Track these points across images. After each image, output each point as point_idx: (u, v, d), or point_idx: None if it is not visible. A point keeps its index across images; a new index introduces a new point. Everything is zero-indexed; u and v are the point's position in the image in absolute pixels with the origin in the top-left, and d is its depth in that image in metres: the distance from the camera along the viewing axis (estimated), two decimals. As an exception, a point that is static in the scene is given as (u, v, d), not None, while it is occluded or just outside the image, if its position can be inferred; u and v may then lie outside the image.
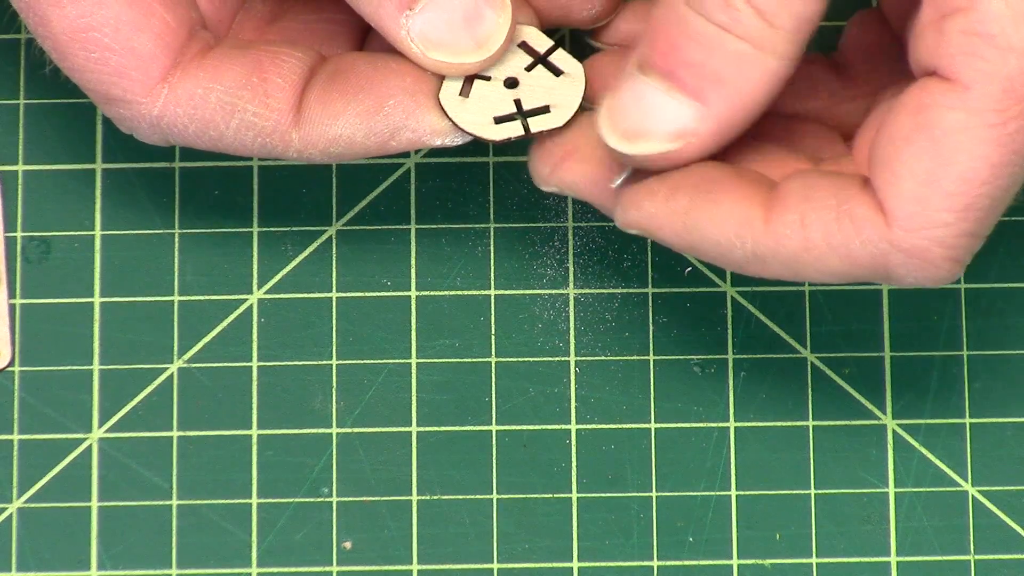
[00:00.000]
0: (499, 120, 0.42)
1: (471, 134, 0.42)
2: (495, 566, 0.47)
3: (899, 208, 0.37)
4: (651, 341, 0.48)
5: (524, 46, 0.42)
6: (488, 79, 0.42)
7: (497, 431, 0.48)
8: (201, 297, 0.48)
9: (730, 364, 0.48)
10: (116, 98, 0.41)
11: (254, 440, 0.48)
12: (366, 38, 0.44)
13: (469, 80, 0.42)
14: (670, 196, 0.40)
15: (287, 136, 0.41)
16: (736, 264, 0.39)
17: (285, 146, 0.42)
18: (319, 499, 0.47)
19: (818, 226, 0.38)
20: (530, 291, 0.48)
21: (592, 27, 0.43)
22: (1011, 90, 0.36)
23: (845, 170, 0.40)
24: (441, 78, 0.42)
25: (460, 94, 0.42)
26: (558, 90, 0.42)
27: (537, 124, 0.42)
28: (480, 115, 0.42)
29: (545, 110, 0.42)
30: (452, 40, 0.41)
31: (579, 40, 0.45)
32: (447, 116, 0.41)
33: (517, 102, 0.42)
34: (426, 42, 0.41)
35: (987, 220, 0.38)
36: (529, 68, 0.42)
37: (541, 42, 0.42)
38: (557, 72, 0.42)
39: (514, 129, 0.42)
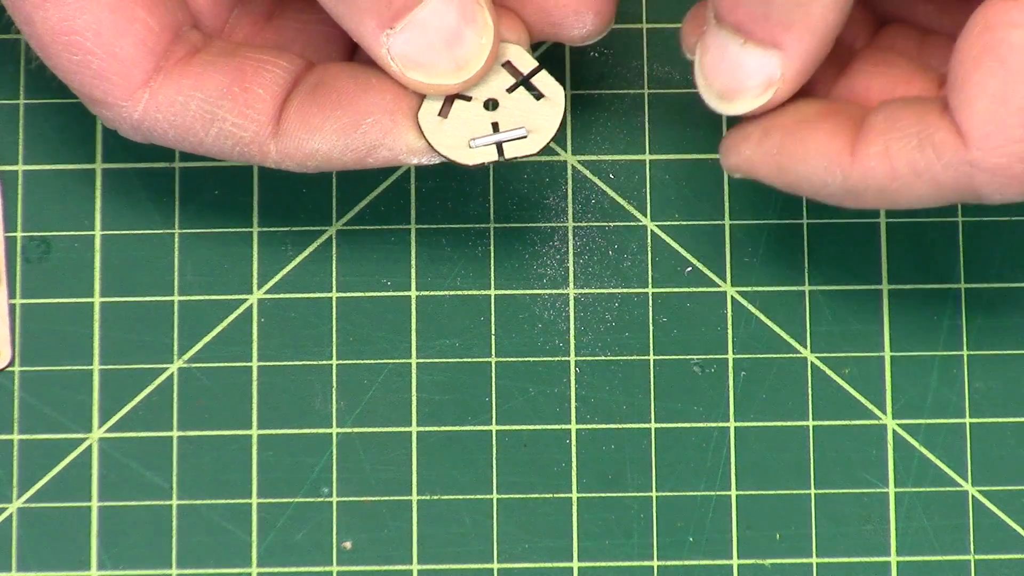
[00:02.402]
0: (475, 144, 0.42)
1: (446, 157, 0.41)
2: (495, 566, 0.47)
3: (975, 129, 0.38)
4: (651, 341, 0.48)
5: (508, 66, 0.42)
6: (469, 99, 0.42)
7: (497, 431, 0.48)
8: (201, 297, 0.48)
9: (730, 364, 0.48)
10: (98, 100, 0.41)
11: (254, 440, 0.48)
12: None
13: (449, 100, 0.41)
14: (763, 139, 0.41)
15: (265, 147, 0.41)
16: (833, 198, 0.41)
17: (263, 156, 0.42)
18: (319, 499, 0.47)
19: (902, 155, 0.39)
20: (530, 291, 0.48)
21: (583, 44, 0.43)
22: None
23: (932, 94, 0.41)
24: (422, 96, 0.41)
25: (439, 114, 0.41)
26: (537, 114, 0.42)
27: (512, 149, 0.41)
28: (457, 137, 0.41)
29: (522, 134, 0.42)
30: (431, 61, 0.41)
31: (577, 58, 0.45)
32: (424, 137, 0.41)
33: (495, 125, 0.42)
34: (406, 62, 0.41)
35: None
36: (511, 89, 0.42)
37: (525, 62, 0.42)
38: (538, 95, 0.42)
39: (488, 154, 0.42)
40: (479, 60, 0.41)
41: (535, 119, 0.42)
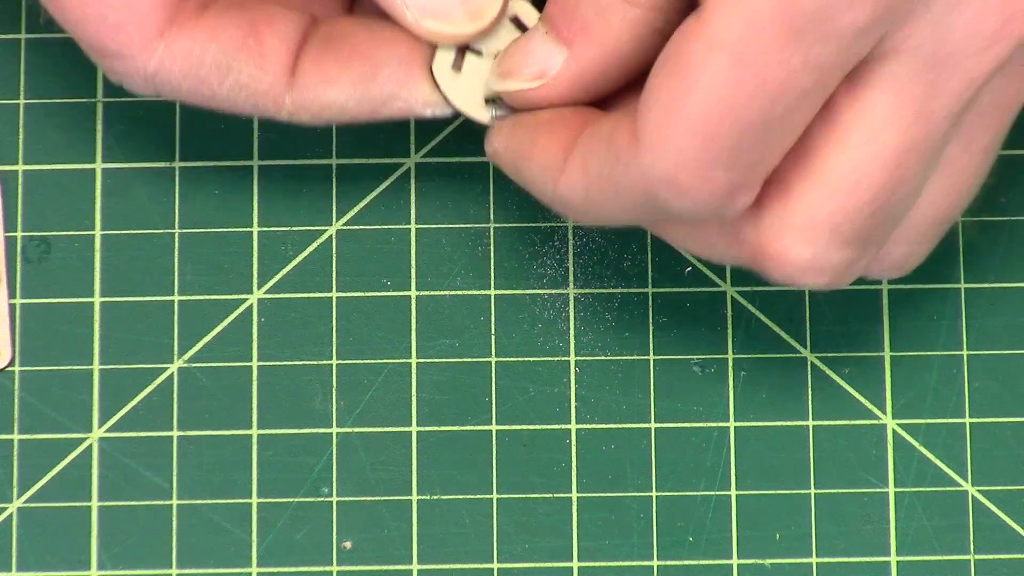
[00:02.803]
0: (488, 100, 0.42)
1: (462, 112, 0.42)
2: (495, 566, 0.47)
3: (645, 135, 0.37)
4: (651, 341, 0.48)
5: (515, 20, 0.42)
6: (479, 53, 0.42)
7: (497, 431, 0.48)
8: (201, 297, 0.48)
9: (730, 364, 0.48)
10: (112, 52, 0.41)
11: (254, 440, 0.48)
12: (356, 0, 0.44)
13: (460, 53, 0.42)
14: (510, 135, 0.41)
15: (280, 99, 0.42)
16: (557, 208, 0.41)
17: (277, 108, 0.42)
18: (319, 499, 0.47)
19: (594, 164, 0.39)
20: (530, 291, 0.48)
21: None
22: (753, 25, 0.36)
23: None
24: (433, 49, 0.42)
25: (452, 67, 0.42)
26: None
27: None
28: (470, 91, 0.42)
29: None
30: (446, 10, 0.41)
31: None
32: (439, 89, 0.42)
33: None
34: (421, 11, 0.41)
35: (744, 150, 0.37)
36: None
37: (531, 17, 0.42)
38: None
39: (501, 108, 0.42)
40: (492, 10, 0.41)
41: None
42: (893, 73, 0.37)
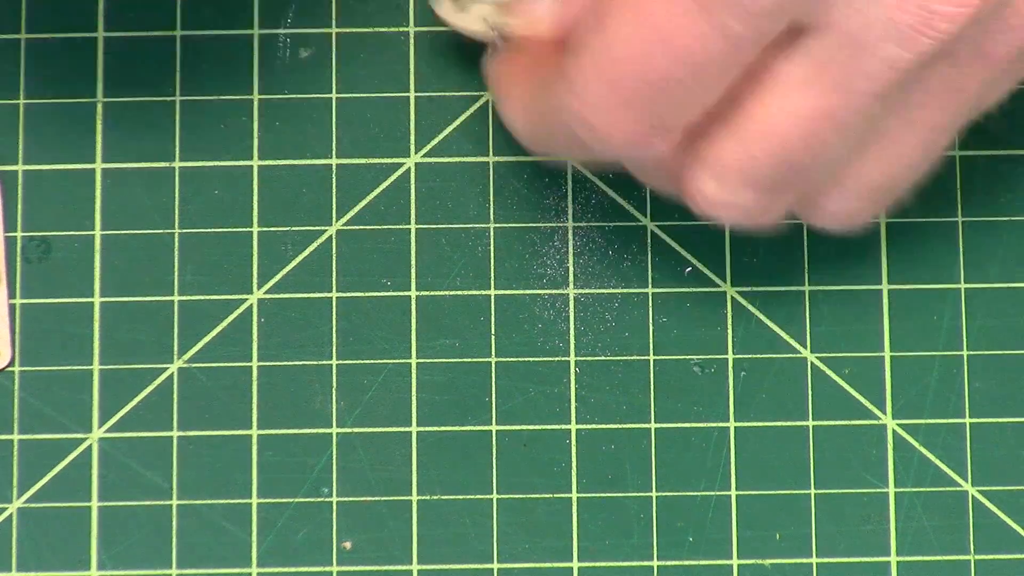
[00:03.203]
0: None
1: (464, 31, 0.45)
2: (495, 566, 0.47)
3: (567, 75, 0.40)
4: (651, 341, 0.48)
5: None
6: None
7: (497, 431, 0.48)
8: (201, 297, 0.48)
9: (730, 364, 0.48)
10: None
11: (254, 440, 0.48)
12: None
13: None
14: (498, 67, 0.44)
15: None
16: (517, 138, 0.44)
17: None
18: (319, 499, 0.47)
19: (534, 97, 0.42)
20: (530, 291, 0.48)
21: None
22: None
23: None
24: None
25: (453, 5, 0.45)
26: None
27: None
28: (472, 17, 0.44)
29: None
30: None
31: None
32: (443, 22, 0.45)
33: None
34: None
35: (651, 101, 0.39)
36: None
37: None
38: None
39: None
40: None
41: None
42: (812, 46, 0.38)
